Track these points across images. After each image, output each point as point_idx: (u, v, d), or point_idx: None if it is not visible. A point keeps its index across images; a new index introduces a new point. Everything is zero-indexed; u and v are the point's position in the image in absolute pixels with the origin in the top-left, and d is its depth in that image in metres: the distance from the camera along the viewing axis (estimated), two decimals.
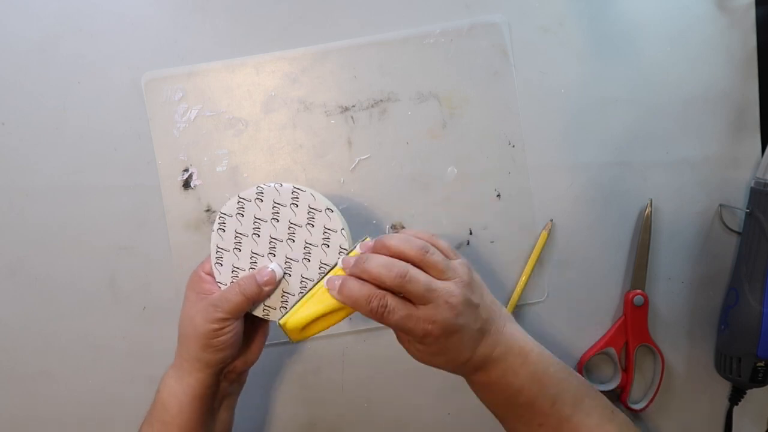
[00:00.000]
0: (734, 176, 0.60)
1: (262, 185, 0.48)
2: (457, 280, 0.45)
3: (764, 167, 0.58)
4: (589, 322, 0.61)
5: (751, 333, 0.56)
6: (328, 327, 0.47)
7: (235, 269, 0.49)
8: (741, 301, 0.57)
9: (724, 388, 0.61)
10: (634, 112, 0.60)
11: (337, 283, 0.45)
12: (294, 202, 0.48)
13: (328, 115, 0.59)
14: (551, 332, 0.60)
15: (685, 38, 0.59)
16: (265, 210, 0.48)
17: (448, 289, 0.44)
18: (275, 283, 0.48)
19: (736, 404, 0.60)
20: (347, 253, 0.48)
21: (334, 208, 0.48)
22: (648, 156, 0.60)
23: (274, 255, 0.49)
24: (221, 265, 0.49)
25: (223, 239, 0.49)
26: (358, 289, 0.44)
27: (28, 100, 0.58)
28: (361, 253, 0.46)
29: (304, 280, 0.49)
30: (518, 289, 0.59)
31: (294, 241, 0.48)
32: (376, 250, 0.46)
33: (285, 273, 0.49)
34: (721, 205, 0.60)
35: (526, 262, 0.59)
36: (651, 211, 0.59)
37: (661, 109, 0.60)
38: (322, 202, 0.48)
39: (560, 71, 0.59)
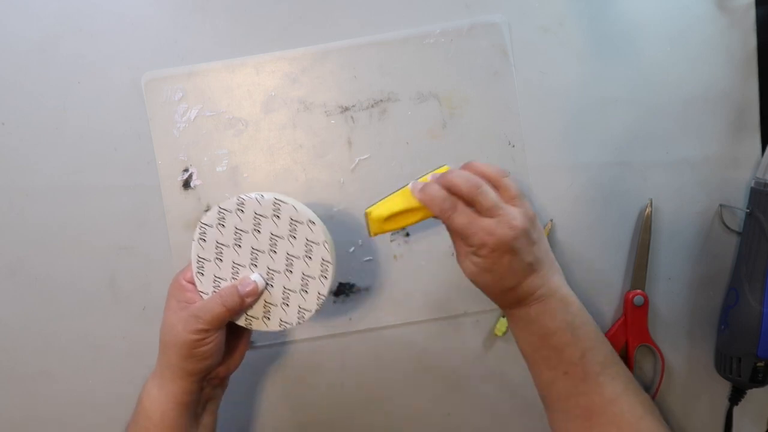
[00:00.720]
0: (734, 176, 0.60)
1: (243, 196, 0.48)
2: (523, 210, 0.49)
3: (764, 167, 0.58)
4: None
5: (751, 333, 0.56)
6: (405, 226, 0.51)
7: (216, 279, 0.49)
8: (741, 301, 0.57)
9: (724, 388, 0.61)
10: (634, 112, 0.60)
11: (419, 185, 0.49)
12: (276, 213, 0.48)
13: (328, 115, 0.59)
14: None
15: (685, 38, 0.59)
16: (246, 221, 0.48)
17: (513, 213, 0.48)
18: (257, 294, 0.48)
19: (736, 404, 0.60)
20: (330, 266, 0.48)
21: (316, 220, 0.48)
22: (648, 156, 0.60)
23: (256, 266, 0.48)
24: (202, 274, 0.49)
25: (203, 249, 0.49)
26: (436, 190, 0.48)
27: (28, 100, 0.58)
28: (446, 171, 0.50)
29: (286, 291, 0.49)
30: None
31: (276, 252, 0.48)
32: (461, 168, 0.51)
33: (267, 283, 0.49)
34: (721, 205, 0.60)
35: None
36: (651, 211, 0.59)
37: (661, 109, 0.60)
38: (304, 214, 0.48)
39: (560, 71, 0.59)
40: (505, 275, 0.48)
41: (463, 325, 0.60)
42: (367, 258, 0.59)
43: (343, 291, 0.60)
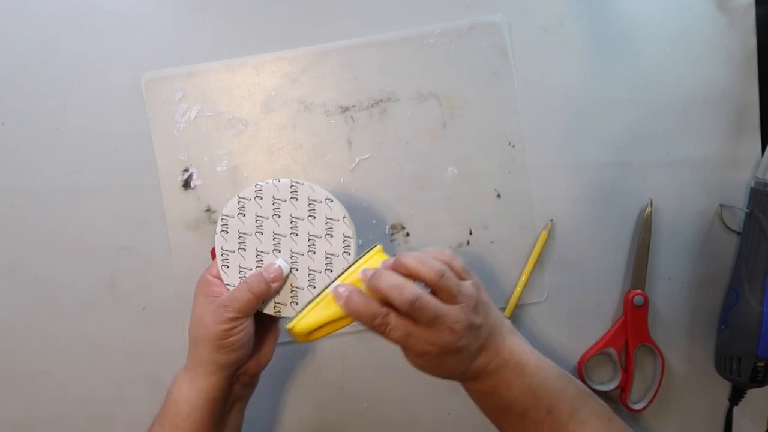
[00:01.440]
0: (734, 176, 0.60)
1: (260, 183, 0.48)
2: (464, 305, 0.45)
3: (764, 167, 0.58)
4: (589, 322, 0.61)
5: (751, 333, 0.56)
6: (333, 332, 0.48)
7: (242, 269, 0.49)
8: (741, 301, 0.57)
9: (724, 388, 0.61)
10: (634, 112, 0.60)
11: (344, 294, 0.45)
12: (293, 195, 0.48)
13: (328, 115, 0.59)
14: (551, 332, 0.60)
15: (685, 38, 0.59)
16: (266, 207, 0.48)
17: (454, 315, 0.44)
18: (283, 279, 0.48)
19: (736, 404, 0.60)
20: (352, 240, 0.48)
21: (333, 197, 0.48)
22: (648, 156, 0.60)
23: (279, 251, 0.49)
24: (228, 266, 0.49)
25: (227, 241, 0.49)
26: (364, 304, 0.45)
27: (28, 100, 0.58)
28: (377, 269, 0.46)
29: (311, 272, 0.49)
30: (518, 289, 0.59)
31: (297, 234, 0.49)
32: (393, 268, 0.46)
33: (292, 267, 0.49)
34: (721, 205, 0.60)
35: (526, 262, 0.59)
36: (651, 211, 0.59)
37: (661, 109, 0.60)
38: (321, 193, 0.48)
39: (560, 71, 0.59)
40: (454, 367, 0.47)
41: None
42: None
43: None
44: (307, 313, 0.47)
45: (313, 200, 0.48)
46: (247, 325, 0.47)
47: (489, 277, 0.60)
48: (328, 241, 0.48)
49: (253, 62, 0.59)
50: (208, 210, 0.59)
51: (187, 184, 0.59)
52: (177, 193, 0.59)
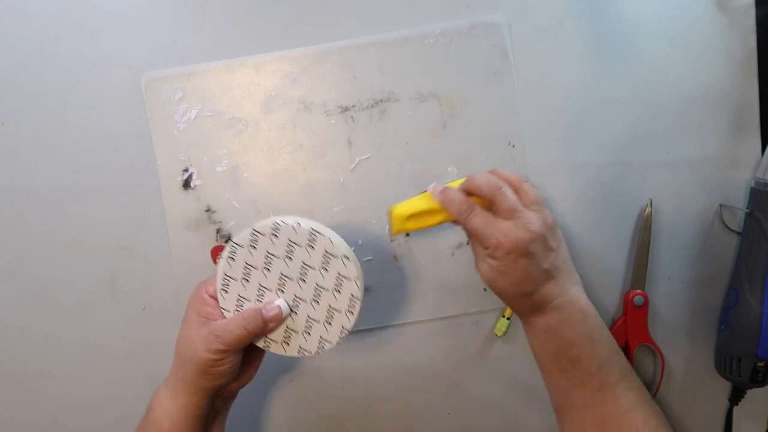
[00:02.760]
0: (734, 176, 0.60)
1: (279, 221, 0.47)
2: (542, 216, 0.49)
3: (764, 167, 0.58)
4: None
5: (751, 333, 0.56)
6: (425, 227, 0.52)
7: (240, 299, 0.48)
8: (741, 301, 0.57)
9: (724, 388, 0.61)
10: (634, 112, 0.60)
11: (439, 188, 0.51)
12: (310, 243, 0.47)
13: (328, 115, 0.59)
14: None
15: (685, 38, 0.59)
16: (279, 247, 0.47)
17: (531, 217, 0.49)
18: (281, 320, 0.48)
19: (736, 404, 0.60)
20: (359, 302, 0.48)
21: (351, 255, 0.48)
22: (648, 156, 0.60)
23: (283, 291, 0.48)
24: (227, 292, 0.48)
25: (231, 268, 0.48)
26: (455, 193, 0.50)
27: (28, 100, 0.58)
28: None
29: (310, 320, 0.48)
30: None
31: (305, 281, 0.48)
32: (485, 170, 0.53)
33: (291, 310, 0.48)
34: (721, 205, 0.60)
35: None
36: (651, 211, 0.59)
37: (661, 109, 0.60)
38: (340, 249, 0.47)
39: (560, 71, 0.59)
40: (521, 280, 0.48)
41: (463, 325, 0.60)
42: (367, 258, 0.59)
43: None
44: (406, 201, 0.52)
45: (330, 254, 0.47)
46: (235, 357, 0.47)
47: None
48: (334, 296, 0.48)
49: (253, 62, 0.59)
50: (208, 210, 0.59)
51: (187, 184, 0.59)
52: (177, 193, 0.59)
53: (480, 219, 0.49)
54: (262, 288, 0.48)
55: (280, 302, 0.47)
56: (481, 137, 0.59)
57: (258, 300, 0.48)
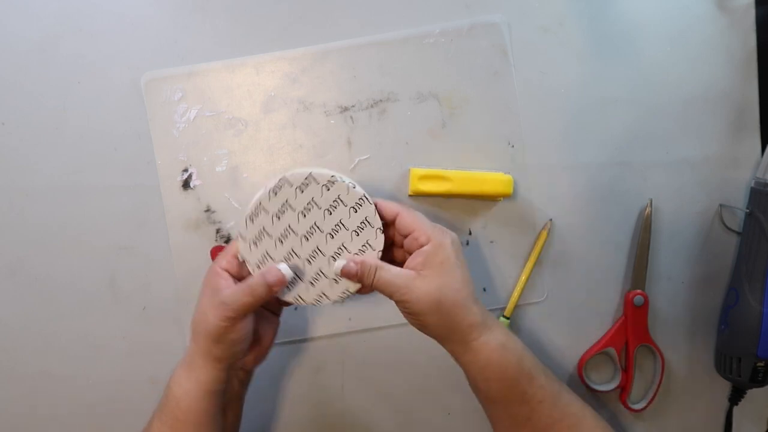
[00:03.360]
0: (734, 176, 0.60)
1: (337, 176, 0.48)
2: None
3: (764, 167, 0.58)
4: (589, 322, 0.61)
5: (751, 333, 0.56)
6: (436, 193, 0.56)
7: (264, 233, 0.49)
8: (741, 301, 0.57)
9: (724, 388, 0.61)
10: (634, 112, 0.60)
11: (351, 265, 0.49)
12: (355, 207, 0.49)
13: (327, 115, 0.59)
14: (551, 332, 0.60)
15: (685, 38, 0.59)
16: (326, 198, 0.49)
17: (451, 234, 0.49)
18: (284, 284, 0.48)
19: (736, 404, 0.60)
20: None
21: (381, 234, 0.49)
22: (648, 156, 0.60)
23: (308, 240, 0.49)
24: (253, 222, 0.49)
25: (270, 201, 0.48)
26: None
27: (28, 100, 0.58)
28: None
29: (320, 273, 0.49)
30: (518, 289, 0.59)
31: (333, 238, 0.49)
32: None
33: (296, 275, 0.49)
34: (721, 205, 0.60)
35: (525, 262, 0.59)
36: (651, 211, 0.59)
37: (661, 109, 0.60)
38: (377, 222, 0.49)
39: (560, 71, 0.59)
40: (452, 289, 0.48)
41: None
42: None
43: None
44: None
45: (368, 223, 0.49)
46: (246, 323, 0.48)
47: (489, 277, 0.60)
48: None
49: (253, 62, 0.59)
50: (207, 210, 0.59)
51: (186, 184, 0.59)
52: (177, 193, 0.59)
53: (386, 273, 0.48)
54: (289, 229, 0.49)
55: (282, 266, 0.48)
56: (481, 137, 0.59)
57: (280, 240, 0.49)
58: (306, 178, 0.48)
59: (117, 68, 0.58)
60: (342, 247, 0.49)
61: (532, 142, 0.59)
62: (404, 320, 0.60)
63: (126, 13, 0.58)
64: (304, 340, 0.60)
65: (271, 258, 0.49)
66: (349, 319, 0.60)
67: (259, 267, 0.49)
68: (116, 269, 0.59)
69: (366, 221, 0.49)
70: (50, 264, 0.58)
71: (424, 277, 0.47)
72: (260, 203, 0.49)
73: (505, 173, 0.57)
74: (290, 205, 0.49)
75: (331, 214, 0.49)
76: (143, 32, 0.58)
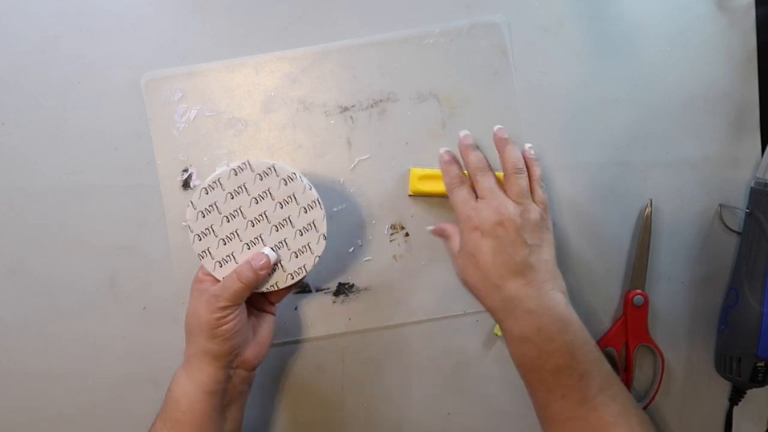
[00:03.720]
0: (734, 176, 0.60)
1: (298, 174, 0.50)
2: (522, 208, 0.51)
3: (764, 167, 0.58)
4: (589, 322, 0.60)
5: (751, 333, 0.56)
6: (435, 193, 0.57)
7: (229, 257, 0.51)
8: (741, 301, 0.57)
9: (724, 388, 0.61)
10: (634, 112, 0.60)
11: (447, 156, 0.55)
12: (306, 208, 0.50)
13: (327, 115, 0.59)
14: None
15: (685, 38, 0.59)
16: (281, 192, 0.50)
17: (507, 204, 0.51)
18: (270, 267, 0.50)
19: (736, 404, 0.60)
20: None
21: (326, 236, 0.51)
22: (648, 156, 0.60)
23: (253, 225, 0.50)
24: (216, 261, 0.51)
25: (224, 188, 0.50)
26: (451, 165, 0.54)
27: (28, 100, 0.58)
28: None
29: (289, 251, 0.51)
30: None
31: (278, 231, 0.50)
32: (496, 141, 0.56)
33: (279, 259, 0.50)
34: (721, 205, 0.60)
35: None
36: (651, 211, 0.59)
37: (661, 109, 0.60)
38: (323, 226, 0.50)
39: (560, 71, 0.59)
40: (488, 266, 0.49)
41: (463, 325, 0.60)
42: (367, 258, 0.59)
43: (342, 291, 0.60)
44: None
45: (314, 225, 0.50)
46: (239, 313, 0.48)
47: None
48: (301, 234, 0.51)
49: (253, 62, 0.59)
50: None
51: (186, 184, 0.59)
52: (177, 193, 0.59)
53: (460, 194, 0.52)
54: (239, 211, 0.50)
55: (267, 251, 0.50)
56: (481, 137, 0.59)
57: (227, 218, 0.50)
58: (268, 168, 0.49)
59: (117, 68, 0.58)
60: (283, 242, 0.50)
61: (532, 142, 0.59)
62: (404, 320, 0.60)
63: (126, 13, 0.58)
64: (304, 340, 0.60)
65: (213, 232, 0.50)
66: (349, 319, 0.60)
67: (200, 238, 0.50)
68: (116, 269, 0.59)
69: (313, 224, 0.50)
70: (50, 264, 0.58)
71: (456, 260, 0.53)
72: (219, 179, 0.50)
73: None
74: (246, 189, 0.50)
75: (282, 207, 0.50)
76: (143, 32, 0.58)
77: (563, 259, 0.60)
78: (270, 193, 0.50)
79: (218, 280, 0.50)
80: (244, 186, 0.50)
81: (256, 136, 0.59)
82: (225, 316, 0.47)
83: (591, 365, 0.48)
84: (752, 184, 0.59)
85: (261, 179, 0.50)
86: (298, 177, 0.50)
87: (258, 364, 0.53)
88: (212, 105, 0.59)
